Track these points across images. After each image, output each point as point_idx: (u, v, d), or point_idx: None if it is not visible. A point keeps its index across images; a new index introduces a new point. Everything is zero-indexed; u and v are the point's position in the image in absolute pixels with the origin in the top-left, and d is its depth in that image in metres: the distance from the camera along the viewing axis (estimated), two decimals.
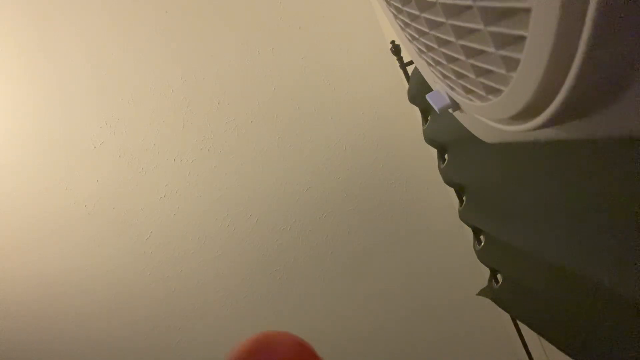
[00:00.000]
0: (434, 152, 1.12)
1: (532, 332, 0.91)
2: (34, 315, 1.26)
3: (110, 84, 1.32)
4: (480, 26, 0.24)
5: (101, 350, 1.26)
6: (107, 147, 1.30)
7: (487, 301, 1.05)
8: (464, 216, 1.01)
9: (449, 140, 0.96)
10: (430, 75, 0.46)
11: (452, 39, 0.29)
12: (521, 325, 1.12)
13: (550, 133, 0.29)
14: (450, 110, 0.44)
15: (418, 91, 0.99)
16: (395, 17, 0.41)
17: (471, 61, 0.29)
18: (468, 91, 0.34)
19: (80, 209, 1.28)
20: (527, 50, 0.21)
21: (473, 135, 0.47)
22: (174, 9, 1.35)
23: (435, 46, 0.34)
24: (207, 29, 1.36)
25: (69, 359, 1.26)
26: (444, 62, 0.34)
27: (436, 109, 0.44)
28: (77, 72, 1.31)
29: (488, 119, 0.34)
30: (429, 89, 0.47)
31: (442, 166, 1.05)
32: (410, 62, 1.15)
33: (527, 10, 0.19)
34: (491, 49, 0.25)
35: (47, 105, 1.29)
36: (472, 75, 0.31)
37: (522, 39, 0.21)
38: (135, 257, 1.29)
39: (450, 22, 0.28)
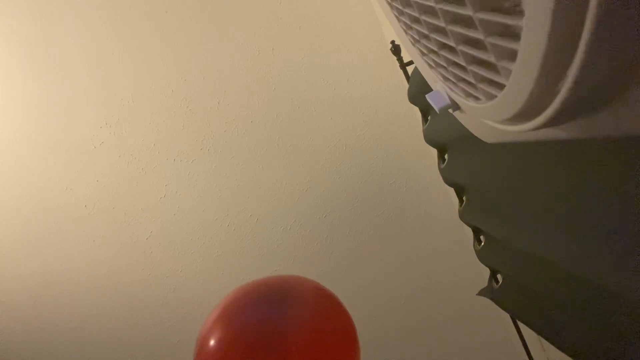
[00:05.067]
0: (434, 152, 1.12)
1: (532, 332, 0.91)
2: (34, 315, 1.26)
3: (110, 84, 1.32)
4: (479, 35, 0.24)
5: (101, 350, 1.26)
6: (107, 147, 1.30)
7: (487, 301, 1.05)
8: (464, 216, 1.01)
9: (449, 140, 0.96)
10: (430, 75, 0.46)
11: (450, 41, 0.29)
12: (521, 325, 1.12)
13: (550, 133, 0.29)
14: (450, 110, 0.44)
15: (418, 91, 0.99)
16: (397, 18, 0.41)
17: (469, 63, 0.29)
18: (468, 92, 0.34)
19: (80, 209, 1.28)
20: (523, 51, 0.21)
21: (473, 135, 0.47)
22: (174, 9, 1.35)
23: (434, 48, 0.34)
24: (207, 29, 1.36)
25: (69, 359, 1.26)
26: (444, 63, 0.34)
27: (436, 109, 0.43)
28: (77, 72, 1.31)
29: (488, 119, 0.34)
30: (429, 89, 0.47)
31: (442, 166, 1.05)
32: (410, 62, 1.15)
33: (521, 12, 0.19)
34: (488, 50, 0.25)
35: (47, 106, 1.29)
36: (471, 77, 0.31)
37: (518, 38, 0.21)
38: (135, 257, 1.29)
39: (450, 27, 0.28)
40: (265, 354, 0.44)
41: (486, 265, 1.02)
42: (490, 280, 1.04)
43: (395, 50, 1.15)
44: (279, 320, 0.47)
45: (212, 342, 0.46)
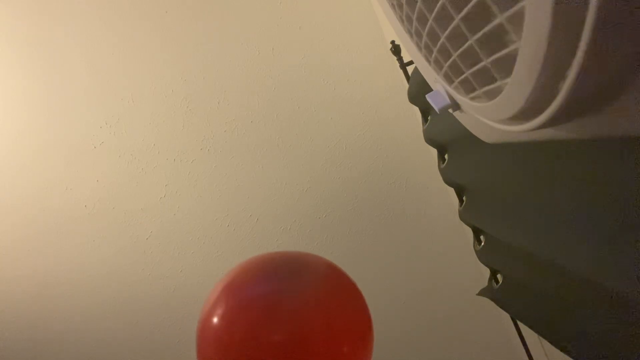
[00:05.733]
0: (434, 152, 1.12)
1: (532, 332, 0.91)
2: (34, 315, 1.26)
3: (110, 84, 1.32)
4: (476, 30, 0.24)
5: (101, 351, 1.26)
6: (107, 147, 1.30)
7: (487, 301, 1.05)
8: (464, 216, 1.01)
9: (449, 140, 0.96)
10: (430, 75, 0.46)
11: (450, 38, 0.29)
12: (521, 325, 1.12)
13: (550, 133, 0.29)
14: (450, 110, 0.44)
15: (418, 91, 0.99)
16: (397, 16, 0.41)
17: (469, 62, 0.29)
18: (468, 91, 0.34)
19: (80, 209, 1.28)
20: (523, 51, 0.21)
21: (473, 135, 0.47)
22: (174, 9, 1.35)
23: (434, 47, 0.34)
24: (207, 29, 1.36)
25: (69, 359, 1.26)
26: (444, 62, 0.34)
27: (436, 109, 0.43)
28: (77, 72, 1.31)
29: (488, 119, 0.34)
30: (429, 89, 0.47)
31: (442, 166, 1.05)
32: (410, 62, 1.15)
33: (522, 11, 0.19)
34: (488, 49, 0.25)
35: (47, 106, 1.29)
36: (471, 76, 0.31)
37: (517, 38, 0.21)
38: (135, 257, 1.29)
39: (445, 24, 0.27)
40: (274, 330, 0.41)
41: (486, 265, 1.02)
42: (490, 280, 1.04)
43: (395, 50, 1.15)
44: (289, 294, 0.43)
45: (215, 318, 0.42)
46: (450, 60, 0.32)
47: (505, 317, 1.21)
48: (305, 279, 0.46)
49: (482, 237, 1.02)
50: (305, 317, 0.41)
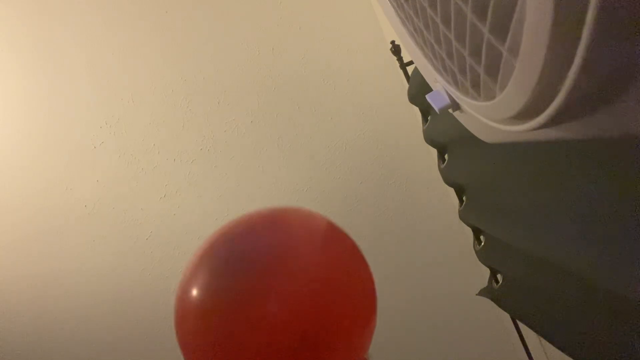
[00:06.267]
0: (434, 152, 1.12)
1: (532, 332, 0.91)
2: (34, 315, 1.26)
3: (110, 84, 1.32)
4: (482, 28, 0.24)
5: (101, 351, 1.26)
6: (107, 147, 1.30)
7: (487, 301, 1.05)
8: (464, 216, 1.01)
9: (449, 140, 0.96)
10: (430, 75, 0.46)
11: (450, 36, 0.29)
12: (521, 325, 1.12)
13: (550, 133, 0.29)
14: (450, 110, 0.44)
15: (418, 91, 0.99)
16: (398, 13, 0.41)
17: (470, 61, 0.29)
18: (468, 90, 0.34)
19: (80, 209, 1.28)
20: (524, 49, 0.21)
21: (473, 135, 0.47)
22: (174, 9, 1.35)
23: (435, 44, 0.34)
24: (207, 29, 1.36)
25: (69, 359, 1.26)
26: (445, 59, 0.34)
27: (436, 109, 0.43)
28: (77, 72, 1.31)
29: (488, 118, 0.34)
30: (429, 89, 0.47)
31: (442, 166, 1.05)
32: (410, 62, 1.15)
33: (523, 9, 0.19)
34: (488, 48, 0.25)
35: (47, 106, 1.29)
36: (471, 75, 0.31)
37: (518, 37, 0.21)
38: (135, 257, 1.29)
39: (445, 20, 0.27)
40: (261, 303, 0.33)
41: (486, 265, 1.02)
42: (490, 280, 1.04)
43: (395, 50, 1.15)
44: (276, 246, 0.35)
45: (194, 290, 0.38)
46: (452, 59, 0.32)
47: (505, 317, 1.21)
48: (295, 231, 0.41)
49: (482, 237, 1.02)
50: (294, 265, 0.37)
